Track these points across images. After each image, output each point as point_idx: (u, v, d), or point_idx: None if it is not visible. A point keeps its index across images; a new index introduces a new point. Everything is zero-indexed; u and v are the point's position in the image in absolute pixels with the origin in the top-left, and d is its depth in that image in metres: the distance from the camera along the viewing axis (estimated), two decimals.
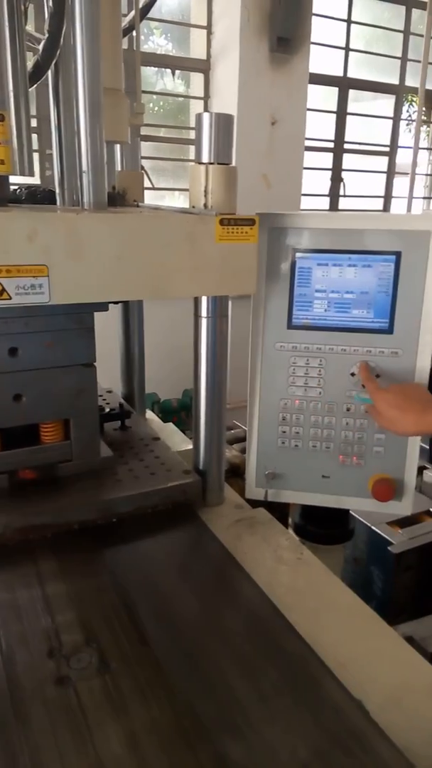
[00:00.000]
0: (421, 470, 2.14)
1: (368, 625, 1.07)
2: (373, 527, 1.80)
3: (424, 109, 4.99)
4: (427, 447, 2.55)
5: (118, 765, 0.75)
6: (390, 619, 1.08)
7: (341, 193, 5.41)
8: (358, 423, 1.36)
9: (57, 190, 1.44)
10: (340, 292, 1.31)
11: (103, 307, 1.26)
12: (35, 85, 1.41)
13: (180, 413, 4.05)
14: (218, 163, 1.16)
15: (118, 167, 1.69)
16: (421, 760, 0.78)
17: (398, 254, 1.26)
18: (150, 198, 4.45)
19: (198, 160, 1.17)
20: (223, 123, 1.15)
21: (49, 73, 1.45)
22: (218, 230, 1.13)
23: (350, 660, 0.96)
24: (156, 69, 4.65)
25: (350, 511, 1.56)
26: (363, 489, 1.38)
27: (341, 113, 5.27)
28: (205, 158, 1.16)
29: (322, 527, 1.51)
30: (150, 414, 2.10)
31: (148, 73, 4.63)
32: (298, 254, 1.31)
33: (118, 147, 1.67)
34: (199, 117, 1.15)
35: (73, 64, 1.10)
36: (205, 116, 1.14)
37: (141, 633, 0.97)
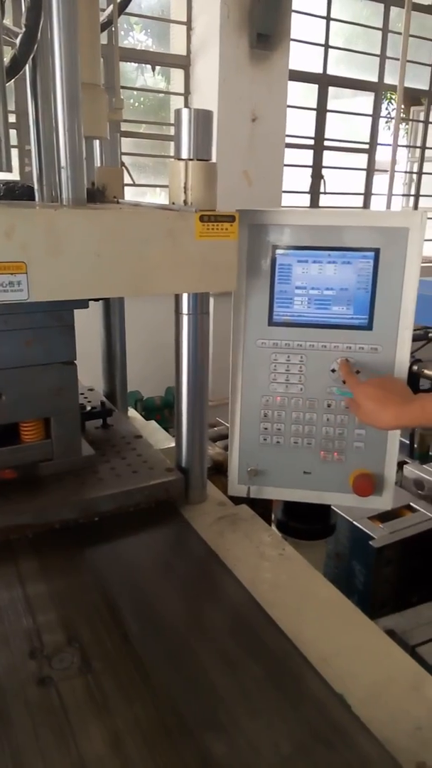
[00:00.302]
0: (401, 465, 2.15)
1: (350, 620, 1.08)
2: (355, 522, 1.81)
3: (402, 106, 5.03)
4: (408, 442, 2.58)
5: (101, 764, 0.75)
6: (372, 613, 1.09)
7: (322, 190, 5.43)
8: (339, 419, 1.37)
9: (36, 186, 1.43)
10: (320, 288, 1.32)
11: (83, 304, 1.25)
12: (13, 80, 1.39)
13: (163, 411, 4.04)
14: (198, 159, 1.16)
15: (98, 163, 1.67)
16: (402, 752, 0.79)
17: (377, 251, 1.27)
18: (131, 195, 4.42)
19: (177, 156, 1.17)
20: (203, 119, 1.14)
21: (27, 67, 1.43)
22: (198, 227, 1.12)
23: (332, 654, 0.96)
24: (136, 65, 4.62)
25: (332, 507, 1.57)
26: (344, 484, 1.39)
27: (321, 110, 5.29)
28: (184, 154, 1.16)
29: (304, 523, 1.52)
30: (132, 412, 2.09)
31: (128, 69, 4.60)
32: (278, 251, 1.31)
33: (97, 143, 1.66)
34: (178, 113, 1.15)
35: (51, 58, 1.09)
36: (184, 112, 1.14)
37: (123, 632, 0.97)
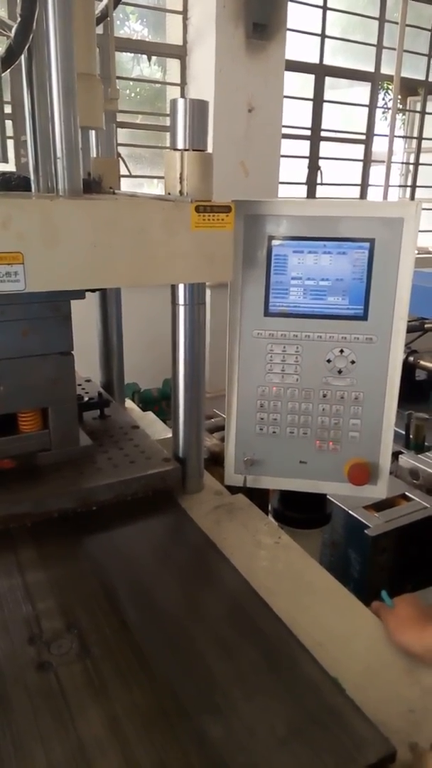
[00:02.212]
0: (397, 455, 2.17)
1: (345, 606, 1.09)
2: (350, 511, 1.83)
3: (399, 96, 5.01)
4: (403, 432, 2.60)
5: (99, 747, 0.76)
6: (367, 600, 1.11)
7: (318, 181, 5.41)
8: (334, 409, 1.38)
9: (32, 177, 1.42)
10: (316, 279, 1.32)
11: (79, 294, 1.25)
12: (8, 70, 1.39)
13: (161, 403, 4.04)
14: (193, 150, 1.16)
15: (94, 154, 1.67)
16: (396, 734, 0.81)
17: (372, 241, 1.27)
18: (128, 186, 4.41)
19: (173, 147, 1.17)
20: (198, 109, 1.15)
21: (23, 57, 1.43)
22: (194, 217, 1.13)
23: (327, 639, 0.98)
24: (132, 55, 4.59)
25: (328, 496, 1.58)
26: (339, 473, 1.40)
27: (318, 101, 5.26)
28: (180, 144, 1.16)
29: (300, 512, 1.53)
30: (130, 403, 2.10)
31: (124, 59, 4.57)
32: (274, 242, 1.32)
33: (93, 133, 1.65)
34: (173, 103, 1.15)
35: (46, 48, 1.09)
36: (180, 102, 1.14)
37: (121, 618, 0.98)
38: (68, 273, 1.07)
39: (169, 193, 1.20)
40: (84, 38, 1.39)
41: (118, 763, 0.74)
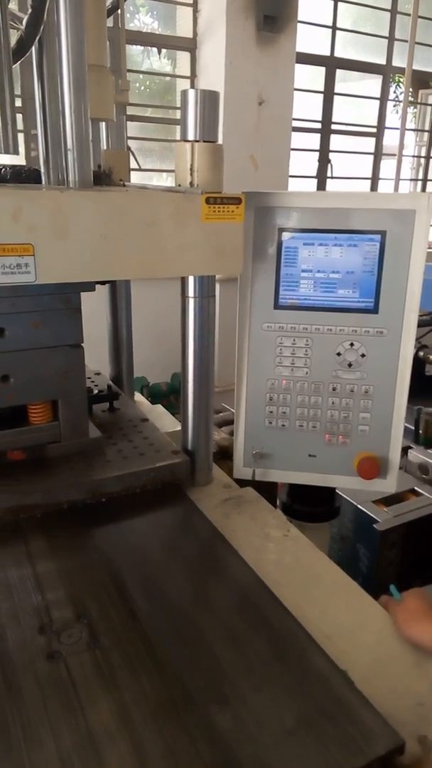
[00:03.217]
0: (406, 450, 2.16)
1: (353, 599, 1.09)
2: (359, 506, 1.82)
3: (411, 89, 4.96)
4: (413, 428, 2.58)
5: (108, 736, 0.77)
6: (376, 595, 1.10)
7: (329, 174, 5.38)
8: (344, 402, 1.38)
9: (42, 169, 1.43)
10: (326, 271, 1.32)
11: (89, 287, 1.26)
12: (19, 62, 1.39)
13: (169, 397, 4.05)
14: (204, 141, 1.15)
15: (104, 146, 1.67)
16: (404, 726, 0.81)
17: (383, 233, 1.27)
18: (138, 179, 4.40)
19: (184, 138, 1.17)
20: (209, 100, 1.14)
21: (33, 49, 1.43)
22: (204, 209, 1.12)
23: (336, 632, 0.98)
24: (142, 48, 4.58)
25: (336, 490, 1.58)
26: (349, 467, 1.40)
27: (328, 93, 5.23)
28: (190, 136, 1.15)
29: (309, 505, 1.53)
30: (139, 396, 2.10)
31: (134, 52, 4.56)
32: (284, 234, 1.31)
33: (103, 125, 1.65)
34: (184, 94, 1.15)
35: (57, 39, 1.09)
36: (191, 93, 1.14)
37: (131, 608, 0.99)
38: (78, 265, 1.07)
39: (179, 185, 1.20)
40: (94, 30, 1.38)
41: (127, 752, 0.75)
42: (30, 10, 1.32)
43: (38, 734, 0.77)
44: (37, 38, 1.37)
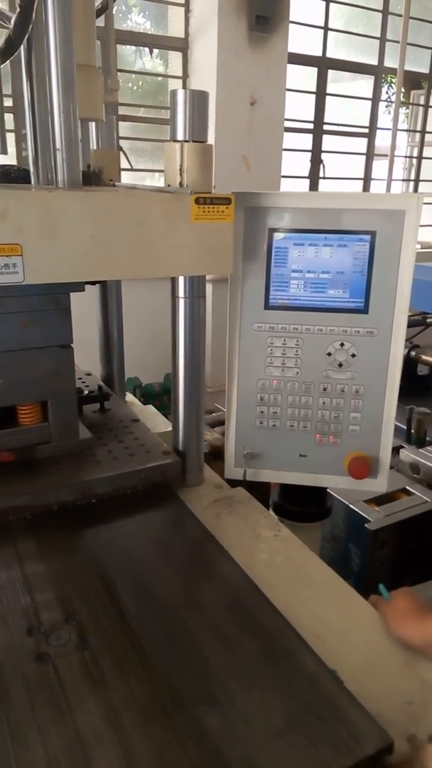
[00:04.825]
0: (397, 450, 2.17)
1: (343, 598, 1.09)
2: (351, 505, 1.83)
3: (402, 90, 4.98)
4: (405, 427, 2.59)
5: (97, 738, 0.77)
6: (367, 594, 1.11)
7: (321, 175, 5.39)
8: (335, 402, 1.38)
9: (31, 169, 1.42)
10: (317, 272, 1.32)
11: (79, 287, 1.25)
12: (7, 61, 1.38)
13: (162, 397, 4.04)
14: (193, 141, 1.15)
15: (94, 146, 1.67)
16: (394, 726, 0.81)
17: (373, 234, 1.27)
18: (130, 179, 4.39)
19: (173, 138, 1.16)
20: (198, 100, 1.14)
21: (22, 48, 1.42)
22: (194, 209, 1.12)
23: (326, 632, 0.98)
24: (134, 48, 4.57)
25: (328, 490, 1.58)
26: (339, 467, 1.40)
27: (320, 94, 5.24)
28: (180, 136, 1.15)
29: (300, 505, 1.53)
30: (130, 397, 2.10)
31: (126, 52, 4.55)
32: (274, 234, 1.31)
33: (93, 125, 1.65)
34: (173, 94, 1.14)
35: (46, 39, 1.08)
36: (180, 93, 1.13)
37: (120, 610, 0.98)
38: (67, 265, 1.07)
39: (169, 185, 1.20)
40: (83, 29, 1.38)
41: (115, 754, 0.74)
42: (18, 9, 1.32)
43: (26, 736, 0.76)
44: (26, 37, 1.36)
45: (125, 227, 1.08)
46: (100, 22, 1.66)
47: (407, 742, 0.79)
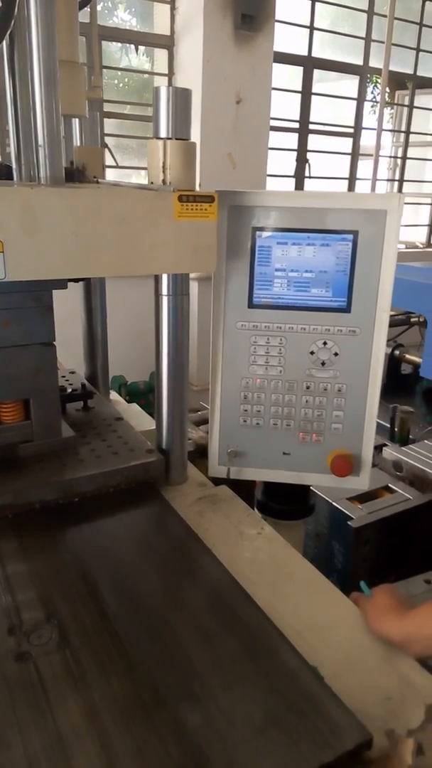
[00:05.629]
0: (380, 448, 2.18)
1: (324, 595, 1.10)
2: (334, 503, 1.84)
3: (387, 90, 5.01)
4: (388, 425, 2.61)
5: (77, 737, 0.76)
6: (351, 591, 1.11)
7: (307, 174, 5.41)
8: (318, 401, 1.38)
9: (14, 166, 1.41)
10: (300, 271, 1.32)
11: (61, 284, 1.24)
12: None
13: (147, 396, 4.03)
14: (176, 139, 1.15)
15: (77, 142, 1.66)
16: (373, 721, 0.81)
17: (356, 233, 1.27)
18: (115, 176, 4.38)
19: (156, 135, 1.16)
20: (181, 97, 1.14)
21: (4, 44, 1.41)
22: (177, 207, 1.12)
23: (307, 628, 0.98)
24: (120, 45, 4.55)
25: (312, 488, 1.59)
26: (322, 465, 1.41)
27: (306, 93, 5.25)
28: (162, 133, 1.15)
29: (284, 503, 1.53)
30: (115, 395, 2.09)
31: (112, 49, 4.53)
32: (258, 233, 1.31)
33: (76, 121, 1.64)
34: (156, 91, 1.14)
35: (28, 34, 1.07)
36: (162, 90, 1.13)
37: (101, 608, 0.98)
38: (49, 262, 1.06)
39: (152, 183, 1.20)
40: (66, 25, 1.37)
41: (95, 753, 0.74)
42: (1, 4, 1.31)
43: (5, 735, 0.76)
44: (8, 33, 1.35)
45: (108, 224, 1.08)
46: (85, 18, 1.65)
47: (386, 737, 0.80)
